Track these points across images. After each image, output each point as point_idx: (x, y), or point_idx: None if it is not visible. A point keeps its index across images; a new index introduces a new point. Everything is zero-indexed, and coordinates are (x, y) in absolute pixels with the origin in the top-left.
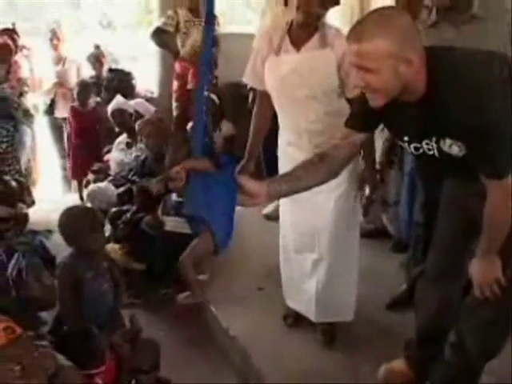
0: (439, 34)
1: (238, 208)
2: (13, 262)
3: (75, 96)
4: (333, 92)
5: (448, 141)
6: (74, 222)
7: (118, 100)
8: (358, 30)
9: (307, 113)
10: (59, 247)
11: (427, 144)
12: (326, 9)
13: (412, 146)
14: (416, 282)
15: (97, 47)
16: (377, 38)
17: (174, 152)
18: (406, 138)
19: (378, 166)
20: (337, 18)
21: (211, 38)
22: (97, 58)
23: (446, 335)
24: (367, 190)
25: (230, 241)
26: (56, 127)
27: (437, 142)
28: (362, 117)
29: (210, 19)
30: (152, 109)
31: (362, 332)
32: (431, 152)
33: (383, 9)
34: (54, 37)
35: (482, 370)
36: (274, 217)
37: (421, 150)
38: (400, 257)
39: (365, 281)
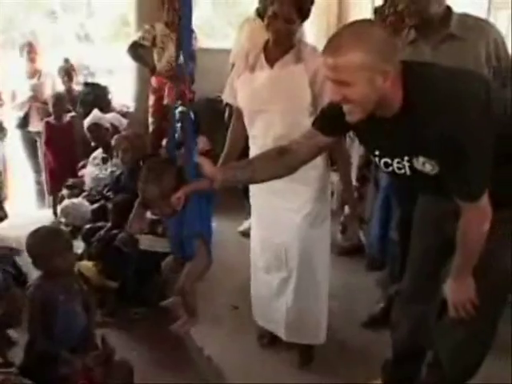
0: (416, 51)
1: (213, 225)
2: None
3: (50, 109)
4: (305, 109)
5: (421, 159)
6: (41, 243)
7: (95, 114)
8: (334, 44)
9: (276, 127)
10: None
11: (398, 163)
12: (295, 25)
13: (382, 161)
14: (392, 300)
15: (66, 61)
16: (352, 50)
17: (157, 178)
18: (376, 152)
19: (355, 183)
20: (314, 34)
21: (188, 53)
22: (66, 72)
23: (422, 355)
24: (346, 209)
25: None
26: (30, 141)
27: (409, 161)
28: (331, 121)
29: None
30: (125, 122)
31: (338, 351)
32: (402, 171)
33: (359, 22)
34: (31, 50)
35: None
36: (249, 234)
37: (390, 168)
38: (375, 274)
39: (341, 298)
